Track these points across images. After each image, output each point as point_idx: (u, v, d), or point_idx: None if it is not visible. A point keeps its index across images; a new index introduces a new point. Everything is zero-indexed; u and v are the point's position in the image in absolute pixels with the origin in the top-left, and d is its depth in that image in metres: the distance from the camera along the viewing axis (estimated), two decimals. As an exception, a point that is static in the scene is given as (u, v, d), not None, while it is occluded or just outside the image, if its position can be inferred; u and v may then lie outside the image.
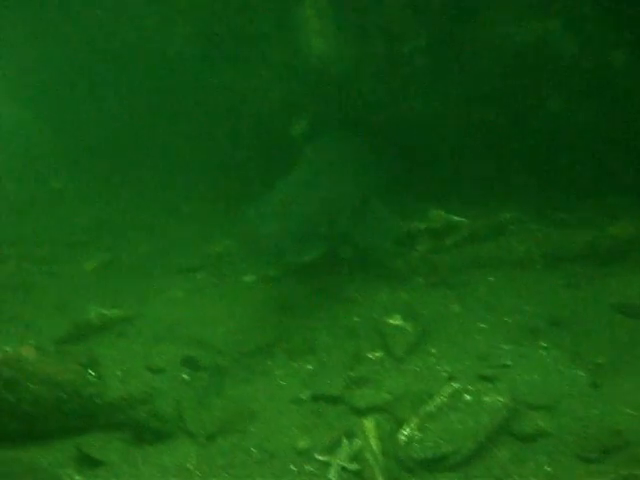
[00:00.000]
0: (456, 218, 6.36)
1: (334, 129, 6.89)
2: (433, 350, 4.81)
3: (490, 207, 6.72)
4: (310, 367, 4.84)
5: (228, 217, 7.57)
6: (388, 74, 6.74)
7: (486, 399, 4.15)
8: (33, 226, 8.40)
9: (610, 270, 5.56)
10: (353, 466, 3.95)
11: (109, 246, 7.50)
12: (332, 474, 3.93)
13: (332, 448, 4.11)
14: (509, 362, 4.49)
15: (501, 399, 4.12)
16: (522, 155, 6.91)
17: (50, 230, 8.23)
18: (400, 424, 4.11)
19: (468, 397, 4.19)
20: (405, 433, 4.02)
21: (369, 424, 4.18)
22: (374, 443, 4.03)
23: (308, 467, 4.00)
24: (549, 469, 3.64)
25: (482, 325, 5.01)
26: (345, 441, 4.14)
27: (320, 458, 4.05)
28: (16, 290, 6.73)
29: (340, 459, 4.01)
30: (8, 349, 4.44)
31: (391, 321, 5.17)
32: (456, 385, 4.28)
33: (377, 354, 4.89)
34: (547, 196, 6.81)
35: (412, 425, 4.05)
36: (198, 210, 7.86)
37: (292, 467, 4.01)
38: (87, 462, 4.19)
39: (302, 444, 4.17)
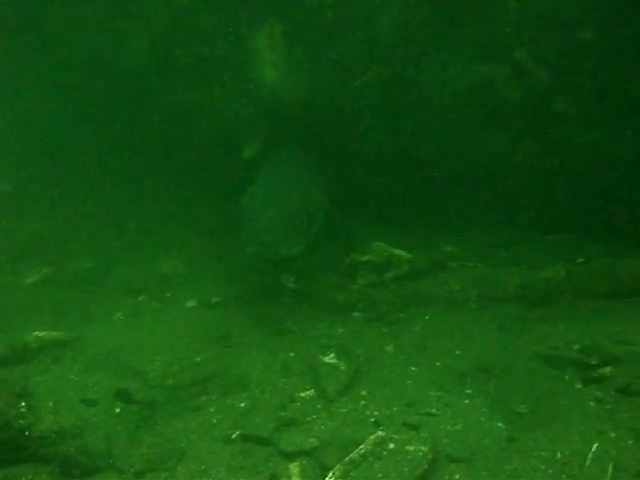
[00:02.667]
0: (397, 251, 6.46)
1: (286, 152, 6.97)
2: (364, 392, 4.91)
3: (432, 240, 6.87)
4: (242, 405, 4.91)
5: (176, 235, 7.60)
6: (340, 106, 6.83)
7: (409, 448, 4.27)
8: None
9: (541, 314, 5.72)
10: (275, 512, 4.03)
11: (52, 259, 7.44)
12: (255, 519, 4.01)
13: (257, 492, 4.18)
14: (434, 410, 4.61)
15: (423, 449, 4.24)
16: (465, 190, 7.06)
17: (-7, 236, 8.13)
18: (325, 471, 4.19)
19: (392, 445, 4.30)
20: (329, 480, 4.10)
21: (294, 469, 4.26)
22: (297, 489, 4.11)
23: (233, 511, 4.05)
24: (461, 525, 3.76)
25: (413, 368, 5.13)
26: (270, 486, 4.21)
27: (244, 503, 4.12)
28: (-47, 303, 6.67)
29: (264, 504, 4.09)
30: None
31: (326, 359, 5.26)
32: (381, 433, 4.38)
33: (309, 393, 4.99)
34: (489, 232, 6.97)
35: (336, 473, 4.14)
36: (146, 226, 7.84)
37: (217, 510, 4.06)
38: (13, 497, 4.18)
39: (228, 486, 4.23)
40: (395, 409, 4.67)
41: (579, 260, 6.31)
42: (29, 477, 4.33)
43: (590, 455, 4.14)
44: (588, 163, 6.54)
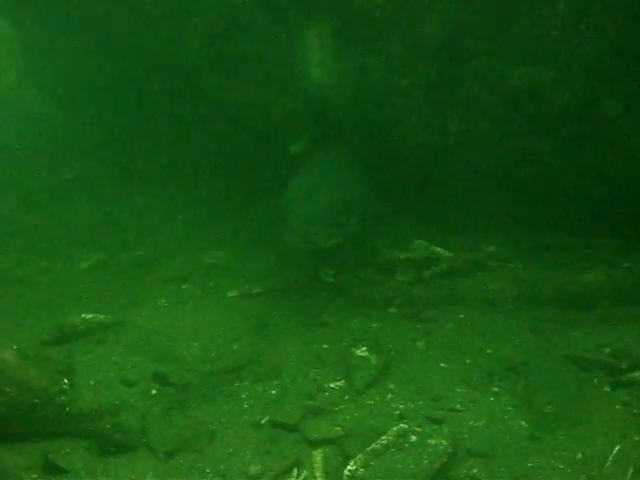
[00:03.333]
0: (438, 249, 6.54)
1: (331, 148, 7.11)
2: (392, 386, 5.01)
3: (475, 240, 6.92)
4: (273, 392, 5.05)
5: (223, 227, 7.82)
6: (387, 105, 6.92)
7: (430, 441, 4.37)
8: (39, 218, 8.66)
9: (577, 317, 5.73)
10: (296, 496, 4.17)
11: (106, 246, 7.75)
12: (277, 502, 4.16)
13: (282, 476, 4.32)
14: (458, 406, 4.68)
15: (444, 443, 4.33)
16: (511, 192, 7.07)
17: (55, 223, 8.48)
18: (347, 459, 4.31)
19: (414, 438, 4.41)
20: (350, 469, 4.23)
21: (318, 456, 4.39)
22: (319, 475, 4.24)
23: (256, 493, 4.20)
24: (475, 517, 3.84)
25: (442, 365, 5.20)
26: (295, 471, 4.35)
27: (268, 486, 4.27)
28: (13, 284, 7.02)
29: (286, 489, 4.23)
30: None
31: (357, 352, 5.37)
32: (404, 425, 4.48)
33: (339, 384, 5.11)
34: (534, 234, 6.98)
35: (357, 462, 4.27)
36: (195, 218, 8.08)
37: (241, 492, 4.22)
38: (51, 469, 4.41)
39: (254, 469, 4.38)
40: (420, 403, 4.76)
41: (624, 265, 6.26)
42: (67, 451, 4.54)
43: (611, 457, 4.17)
44: (637, 167, 6.48)
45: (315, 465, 4.33)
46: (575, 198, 6.94)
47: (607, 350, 5.10)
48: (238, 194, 8.25)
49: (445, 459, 4.20)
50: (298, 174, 6.40)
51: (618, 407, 4.59)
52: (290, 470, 4.37)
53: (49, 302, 6.61)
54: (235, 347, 5.61)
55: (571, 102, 6.42)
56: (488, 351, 5.34)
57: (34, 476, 4.39)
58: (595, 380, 4.90)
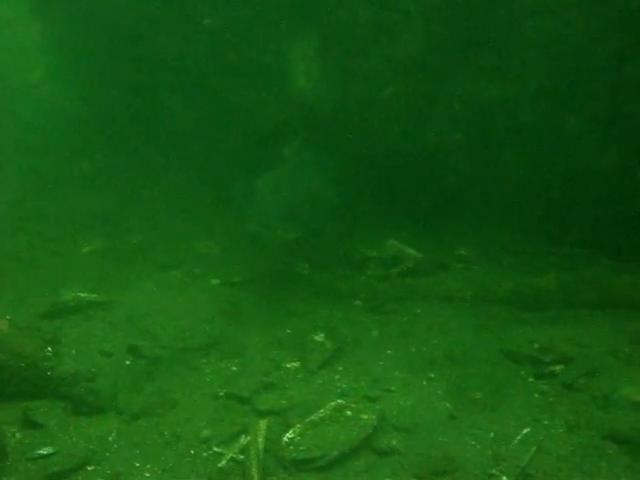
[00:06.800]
0: (409, 250, 7.06)
1: (308, 151, 7.68)
2: (340, 368, 5.55)
3: (450, 243, 7.44)
4: (234, 369, 5.63)
5: (218, 220, 8.41)
6: (368, 115, 7.47)
7: (363, 416, 4.89)
8: (52, 205, 9.32)
9: (525, 318, 6.21)
10: (239, 457, 4.73)
11: (109, 233, 8.37)
12: (222, 463, 4.72)
13: (229, 441, 4.89)
14: (394, 388, 5.21)
15: (374, 417, 4.86)
16: (484, 197, 7.57)
17: (65, 211, 9.13)
18: (288, 428, 4.86)
19: (349, 412, 4.94)
20: (288, 436, 4.77)
21: (262, 425, 4.94)
22: (261, 441, 4.79)
23: (205, 454, 4.77)
24: (389, 482, 4.38)
25: (389, 352, 5.73)
26: (242, 437, 4.92)
27: (216, 449, 4.83)
28: (21, 263, 7.67)
29: (233, 452, 4.79)
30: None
31: (316, 337, 5.92)
32: (342, 401, 5.02)
33: (294, 364, 5.67)
34: (502, 238, 7.47)
35: (296, 430, 4.80)
36: (195, 209, 8.67)
37: (192, 452, 4.79)
38: (30, 424, 5.02)
39: (205, 433, 4.95)
40: (362, 384, 5.31)
41: (581, 271, 6.74)
42: (46, 410, 5.16)
43: (519, 437, 4.67)
44: (602, 184, 6.94)
45: (259, 432, 4.87)
46: (544, 206, 7.41)
47: (536, 346, 5.59)
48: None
49: (370, 431, 4.71)
50: (268, 172, 6.91)
51: (536, 395, 5.08)
52: (238, 436, 4.90)
53: (50, 281, 7.21)
54: (207, 328, 6.18)
55: (536, 119, 6.89)
56: (433, 342, 5.85)
57: (13, 429, 4.98)
58: (522, 371, 5.40)
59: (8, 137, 10.83)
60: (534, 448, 4.55)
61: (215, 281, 7.06)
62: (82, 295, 6.60)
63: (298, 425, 4.84)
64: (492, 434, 4.71)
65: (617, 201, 7.06)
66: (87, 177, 10.24)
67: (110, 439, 4.91)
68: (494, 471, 4.37)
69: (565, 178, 7.24)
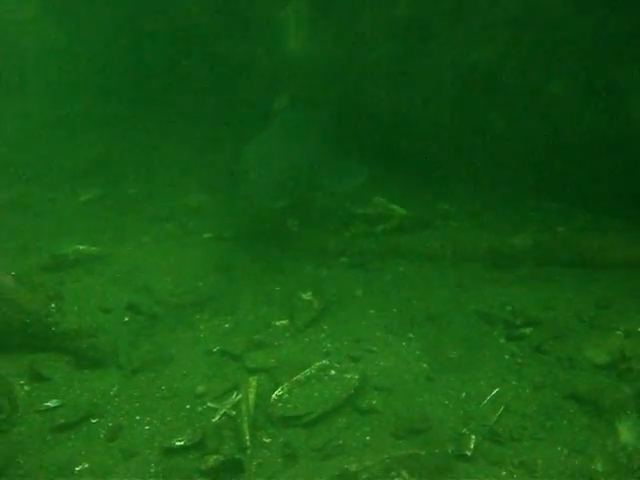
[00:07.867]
0: (394, 207, 7.36)
1: (297, 111, 7.90)
2: (325, 327, 5.92)
3: (435, 199, 7.76)
4: (227, 326, 5.99)
5: (212, 174, 8.68)
6: (358, 74, 7.70)
7: (346, 376, 5.29)
8: (47, 148, 9.55)
9: (500, 276, 6.55)
10: (232, 413, 5.15)
11: (105, 181, 8.65)
12: (216, 418, 5.14)
13: (222, 397, 5.29)
14: (375, 348, 5.60)
15: (356, 377, 5.27)
16: (469, 156, 7.86)
17: (61, 155, 9.37)
18: (277, 385, 5.26)
19: (333, 372, 5.33)
20: (277, 394, 5.16)
21: (252, 382, 5.34)
22: (251, 397, 5.20)
23: (199, 409, 5.17)
24: (368, 439, 4.80)
25: (372, 311, 6.09)
26: (234, 393, 5.33)
27: (210, 404, 5.24)
28: (21, 211, 7.98)
29: (226, 407, 5.21)
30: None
31: (304, 296, 6.26)
32: (326, 361, 5.42)
33: (283, 322, 6.03)
34: (485, 195, 7.79)
35: (284, 388, 5.20)
36: (188, 164, 8.92)
37: (187, 406, 5.20)
38: (36, 377, 5.42)
39: (200, 389, 5.34)
40: (345, 343, 5.69)
41: (560, 229, 7.09)
42: (51, 363, 5.55)
43: (489, 397, 5.09)
44: (582, 141, 7.22)
45: (249, 389, 5.28)
46: (527, 164, 7.70)
47: (509, 308, 5.96)
48: (230, 142, 8.98)
49: (352, 391, 5.13)
50: (255, 138, 7.12)
51: (507, 357, 5.49)
52: (230, 392, 5.31)
53: (49, 231, 7.53)
54: (200, 284, 6.52)
55: (519, 81, 7.13)
56: (414, 302, 6.22)
57: (21, 382, 5.38)
58: (495, 333, 5.78)
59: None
60: (502, 407, 4.95)
61: (207, 235, 7.38)
62: (81, 248, 6.90)
63: (286, 383, 5.22)
64: (464, 394, 5.12)
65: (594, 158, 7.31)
66: (80, 119, 10.41)
67: (112, 393, 5.30)
68: (464, 430, 4.79)
69: (546, 137, 7.48)
